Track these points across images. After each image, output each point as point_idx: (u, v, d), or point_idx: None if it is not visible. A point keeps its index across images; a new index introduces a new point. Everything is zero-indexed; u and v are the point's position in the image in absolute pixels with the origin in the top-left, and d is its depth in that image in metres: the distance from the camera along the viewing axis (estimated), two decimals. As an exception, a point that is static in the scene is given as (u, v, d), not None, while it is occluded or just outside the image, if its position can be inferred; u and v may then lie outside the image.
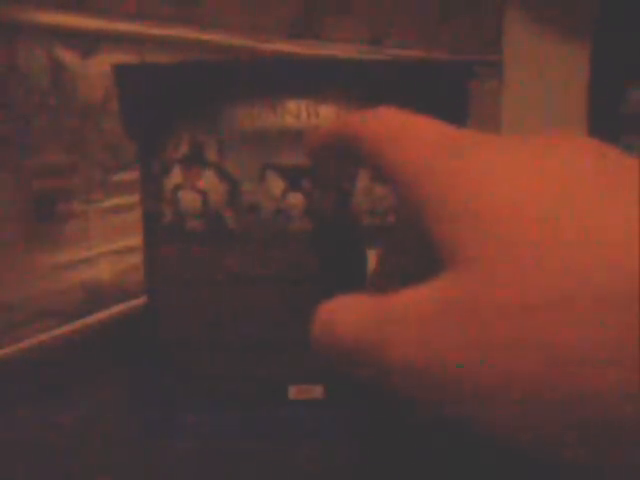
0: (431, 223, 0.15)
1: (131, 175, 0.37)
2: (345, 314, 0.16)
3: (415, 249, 0.20)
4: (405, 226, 0.21)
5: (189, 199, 0.26)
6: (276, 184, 0.26)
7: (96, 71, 0.35)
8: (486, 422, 0.13)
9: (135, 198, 0.30)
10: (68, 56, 0.34)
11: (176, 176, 0.27)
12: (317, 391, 0.27)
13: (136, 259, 0.38)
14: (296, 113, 0.26)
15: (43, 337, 0.34)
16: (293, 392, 0.27)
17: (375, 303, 0.16)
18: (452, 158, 0.16)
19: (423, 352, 0.14)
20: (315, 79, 0.27)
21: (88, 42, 0.35)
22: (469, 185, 0.15)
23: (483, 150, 0.16)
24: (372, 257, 0.26)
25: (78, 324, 0.36)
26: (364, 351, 0.15)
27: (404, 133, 0.17)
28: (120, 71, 0.28)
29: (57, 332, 0.35)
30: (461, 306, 0.13)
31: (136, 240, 0.32)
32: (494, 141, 0.16)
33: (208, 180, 0.26)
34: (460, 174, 0.15)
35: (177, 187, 0.27)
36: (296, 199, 0.26)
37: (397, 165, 0.17)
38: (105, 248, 0.38)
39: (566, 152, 0.15)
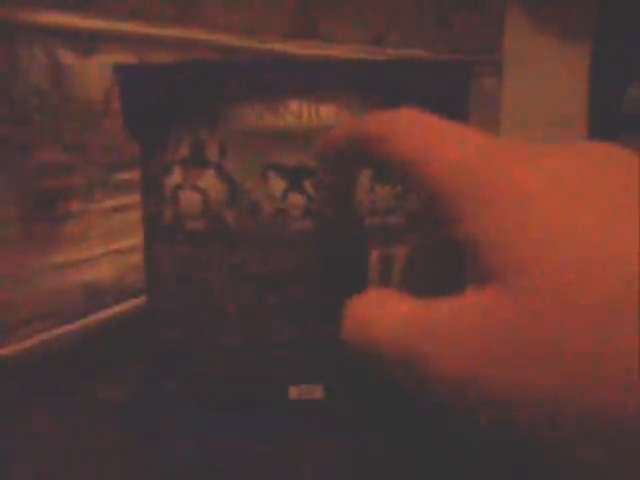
0: (473, 229, 0.15)
1: (131, 175, 0.37)
2: (384, 317, 0.16)
3: (445, 249, 0.20)
4: (434, 226, 0.21)
5: (189, 199, 0.26)
6: (277, 184, 0.26)
7: (96, 71, 0.35)
8: (519, 435, 0.14)
9: (135, 198, 0.30)
10: (68, 56, 0.34)
11: (177, 176, 0.27)
12: (317, 391, 0.27)
13: (136, 259, 0.38)
14: (297, 113, 0.26)
15: (43, 337, 0.34)
16: (293, 392, 0.27)
17: (418, 311, 0.15)
18: (496, 165, 0.15)
19: (467, 367, 0.14)
20: (315, 79, 0.26)
21: (88, 42, 0.35)
22: (515, 195, 0.14)
23: (530, 160, 0.15)
24: (373, 257, 0.26)
25: (78, 324, 0.36)
26: (405, 360, 0.15)
27: (438, 135, 0.17)
28: (121, 71, 0.28)
29: (57, 332, 0.35)
30: (510, 322, 0.13)
31: (136, 240, 0.33)
32: (540, 151, 0.16)
33: (209, 180, 0.26)
34: (506, 183, 0.15)
35: (178, 187, 0.27)
36: (297, 199, 0.26)
37: (434, 165, 0.16)
38: (105, 248, 0.38)
39: (614, 169, 0.15)
